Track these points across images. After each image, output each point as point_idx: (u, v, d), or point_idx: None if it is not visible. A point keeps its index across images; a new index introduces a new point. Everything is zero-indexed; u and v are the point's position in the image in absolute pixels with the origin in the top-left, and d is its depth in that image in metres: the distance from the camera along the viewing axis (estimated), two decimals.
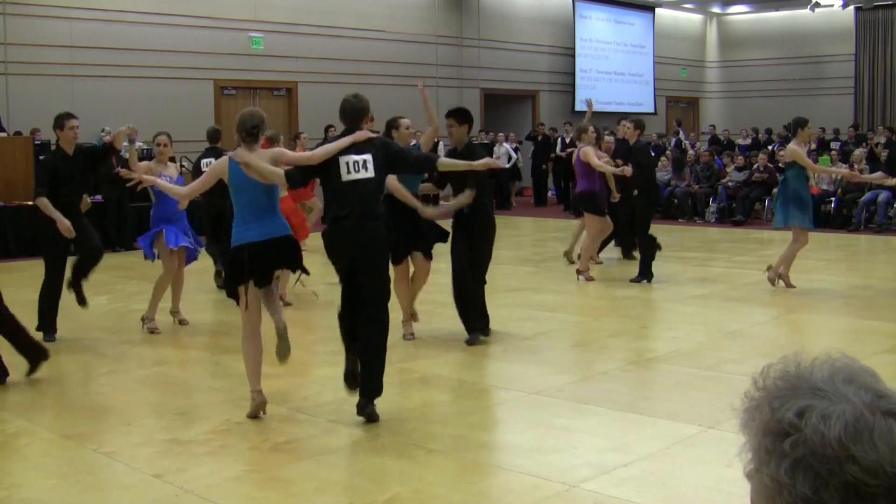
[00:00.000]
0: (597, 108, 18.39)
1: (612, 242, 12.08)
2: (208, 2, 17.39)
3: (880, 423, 1.00)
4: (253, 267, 5.25)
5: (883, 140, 19.42)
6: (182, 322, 8.30)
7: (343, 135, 5.45)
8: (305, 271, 5.57)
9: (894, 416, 1.02)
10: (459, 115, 7.21)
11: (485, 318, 7.39)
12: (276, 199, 5.45)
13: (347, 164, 5.27)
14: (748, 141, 22.43)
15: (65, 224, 7.51)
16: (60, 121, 7.93)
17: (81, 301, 7.98)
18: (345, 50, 19.14)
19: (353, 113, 5.47)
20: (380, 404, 5.33)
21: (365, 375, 5.28)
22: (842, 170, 10.94)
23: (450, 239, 7.37)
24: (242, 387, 6.14)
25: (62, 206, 7.79)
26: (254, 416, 5.35)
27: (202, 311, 9.40)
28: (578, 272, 10.46)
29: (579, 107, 23.71)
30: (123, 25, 16.24)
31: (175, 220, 8.00)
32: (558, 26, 23.97)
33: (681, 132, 22.87)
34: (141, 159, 14.79)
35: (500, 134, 20.76)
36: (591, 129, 10.94)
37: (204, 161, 10.58)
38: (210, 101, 17.50)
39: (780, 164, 16.92)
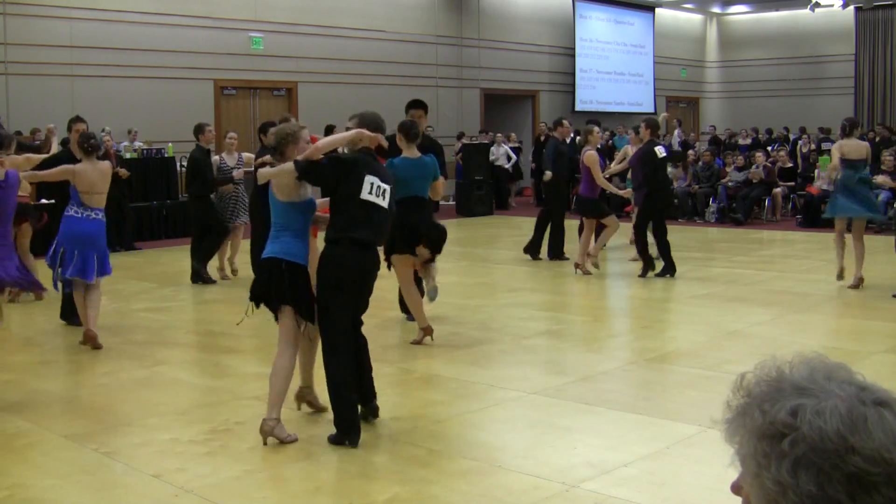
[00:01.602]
0: (597, 107, 18.40)
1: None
2: (208, 2, 17.39)
3: (871, 413, 1.02)
4: (273, 279, 4.93)
5: (878, 140, 19.37)
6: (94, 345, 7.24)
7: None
8: (305, 315, 5.03)
9: (882, 405, 1.04)
10: (425, 107, 8.07)
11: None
12: (308, 222, 5.08)
13: (372, 184, 5.00)
14: (748, 141, 22.43)
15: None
16: (69, 124, 8.40)
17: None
18: (345, 50, 19.14)
19: (375, 125, 5.28)
20: (380, 404, 5.34)
21: (366, 383, 5.29)
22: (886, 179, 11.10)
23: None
24: (242, 386, 6.15)
25: None
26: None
27: (202, 310, 9.40)
28: (576, 266, 10.62)
29: (580, 107, 23.73)
30: (123, 25, 16.24)
31: (88, 240, 7.24)
32: (558, 26, 23.97)
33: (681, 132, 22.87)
34: (141, 159, 14.98)
35: (500, 135, 20.74)
36: (597, 129, 10.93)
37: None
38: (210, 101, 17.50)
39: (780, 166, 16.91)
